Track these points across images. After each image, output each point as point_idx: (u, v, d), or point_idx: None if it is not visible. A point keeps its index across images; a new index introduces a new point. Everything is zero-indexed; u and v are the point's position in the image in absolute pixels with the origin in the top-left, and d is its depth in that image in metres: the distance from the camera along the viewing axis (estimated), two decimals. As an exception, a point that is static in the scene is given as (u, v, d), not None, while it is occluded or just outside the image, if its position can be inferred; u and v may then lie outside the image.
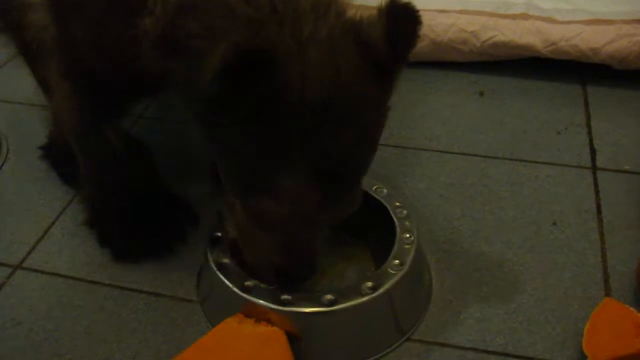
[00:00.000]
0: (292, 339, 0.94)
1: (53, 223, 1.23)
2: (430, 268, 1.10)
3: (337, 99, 0.77)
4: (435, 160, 1.33)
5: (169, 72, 0.83)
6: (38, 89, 1.31)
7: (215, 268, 1.00)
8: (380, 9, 0.80)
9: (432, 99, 1.53)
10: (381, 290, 0.94)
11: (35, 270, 1.14)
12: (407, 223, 1.05)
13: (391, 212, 1.06)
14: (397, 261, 0.98)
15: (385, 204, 1.08)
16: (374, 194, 1.10)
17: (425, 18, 1.52)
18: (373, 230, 1.09)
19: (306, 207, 0.82)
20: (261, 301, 0.94)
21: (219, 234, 1.05)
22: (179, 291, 1.08)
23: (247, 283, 0.97)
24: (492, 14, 1.57)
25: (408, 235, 1.02)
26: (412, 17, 0.80)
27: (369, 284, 0.95)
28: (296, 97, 0.74)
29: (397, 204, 1.08)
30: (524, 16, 1.55)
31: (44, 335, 1.03)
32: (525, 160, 1.32)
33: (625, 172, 1.29)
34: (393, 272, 0.97)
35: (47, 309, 1.07)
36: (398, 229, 1.03)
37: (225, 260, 1.01)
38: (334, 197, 0.83)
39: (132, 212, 1.15)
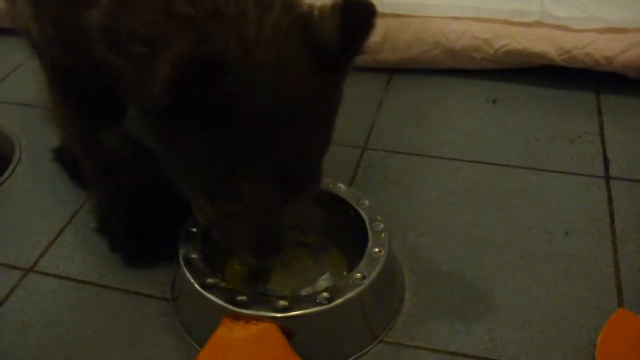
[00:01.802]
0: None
1: (65, 226, 1.23)
2: (404, 285, 1.09)
3: (288, 101, 0.77)
4: (447, 168, 1.33)
5: (120, 73, 0.82)
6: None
7: (182, 263, 1.02)
8: (334, 3, 0.79)
9: (445, 106, 1.52)
10: (334, 303, 0.94)
11: (47, 274, 1.14)
12: (381, 236, 1.04)
13: (367, 225, 1.06)
14: (359, 275, 0.98)
15: (364, 216, 1.07)
16: (355, 206, 1.09)
17: (439, 25, 1.58)
18: (354, 241, 1.08)
19: (268, 207, 0.85)
20: (216, 300, 0.95)
21: (194, 229, 1.07)
22: (190, 296, 1.08)
23: (209, 280, 0.98)
24: (505, 22, 1.56)
25: (378, 250, 1.01)
26: (366, 10, 0.79)
27: (325, 294, 0.95)
28: (246, 102, 0.74)
29: (378, 217, 1.07)
30: (538, 24, 1.55)
31: (55, 339, 1.03)
32: (537, 169, 1.32)
33: (639, 181, 1.28)
34: (353, 285, 0.96)
35: (58, 313, 1.07)
36: (370, 243, 1.03)
37: (194, 256, 1.02)
38: (294, 194, 0.85)
39: (141, 216, 1.15)
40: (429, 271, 1.11)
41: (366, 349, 1.00)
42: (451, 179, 1.30)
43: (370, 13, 0.79)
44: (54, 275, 1.14)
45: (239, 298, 0.95)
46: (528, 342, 0.99)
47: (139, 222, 1.15)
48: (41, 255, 1.18)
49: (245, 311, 0.94)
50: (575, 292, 1.07)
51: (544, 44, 1.53)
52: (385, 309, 1.04)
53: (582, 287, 1.07)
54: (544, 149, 1.38)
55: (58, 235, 1.22)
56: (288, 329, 0.93)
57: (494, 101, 1.53)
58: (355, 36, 0.79)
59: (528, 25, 1.56)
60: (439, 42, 1.58)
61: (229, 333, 0.93)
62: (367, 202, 1.10)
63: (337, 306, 0.94)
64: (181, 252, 1.04)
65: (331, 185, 1.13)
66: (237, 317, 0.94)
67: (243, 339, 0.92)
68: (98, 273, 1.13)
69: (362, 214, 1.08)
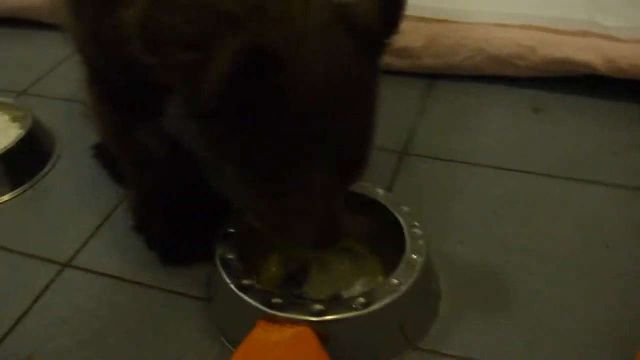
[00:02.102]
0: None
1: (103, 222, 1.24)
2: (440, 292, 1.07)
3: (339, 87, 0.78)
4: (488, 176, 1.31)
5: (156, 73, 0.82)
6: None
7: (218, 263, 1.01)
8: None
9: (487, 113, 1.51)
10: (370, 309, 0.93)
11: (83, 269, 1.15)
12: (419, 243, 1.03)
13: (405, 231, 1.05)
14: (396, 281, 0.97)
15: (403, 222, 1.06)
16: (393, 211, 1.09)
17: (483, 32, 1.56)
18: (391, 247, 1.07)
19: (331, 194, 0.86)
20: (252, 301, 0.95)
21: (232, 230, 1.07)
22: (224, 297, 1.08)
23: (245, 282, 0.98)
24: (551, 30, 1.54)
25: (415, 257, 1.01)
26: None
27: (362, 299, 0.94)
28: (301, 94, 0.75)
29: (416, 223, 1.06)
30: (584, 33, 1.53)
31: (90, 335, 1.03)
32: (579, 180, 1.29)
33: (684, 196, 1.26)
34: (389, 291, 0.95)
35: (94, 309, 1.08)
36: (407, 249, 1.02)
37: (230, 257, 1.02)
38: (353, 176, 0.87)
39: (178, 215, 1.15)
40: (466, 279, 1.09)
41: (400, 356, 0.99)
42: (491, 187, 1.28)
43: None
44: (90, 271, 1.15)
45: (275, 300, 0.94)
46: (565, 356, 0.97)
47: (175, 221, 1.15)
48: (78, 251, 1.19)
49: (281, 314, 0.93)
50: (614, 306, 1.04)
51: (589, 53, 1.51)
52: (420, 316, 1.03)
53: (621, 301, 1.05)
54: (587, 160, 1.35)
55: (95, 231, 1.23)
56: (323, 332, 0.93)
57: (537, 110, 1.51)
58: (392, 16, 0.81)
59: (573, 33, 1.54)
60: (483, 49, 1.56)
61: (263, 335, 0.92)
62: (405, 208, 1.09)
63: (373, 312, 0.93)
64: (218, 253, 1.03)
65: (369, 190, 1.12)
66: (272, 320, 0.94)
67: (277, 341, 0.92)
68: (134, 270, 1.14)
69: (401, 219, 1.07)
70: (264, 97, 0.73)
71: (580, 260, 1.12)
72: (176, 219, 1.15)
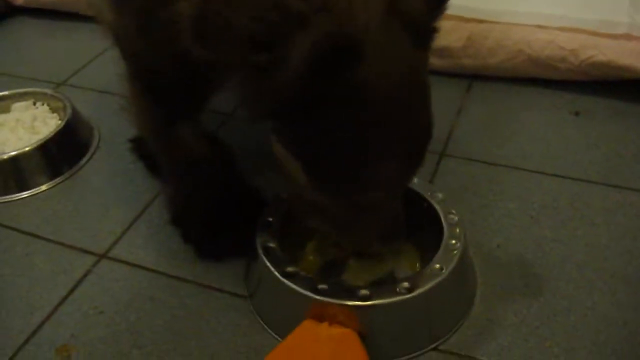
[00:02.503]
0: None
1: (140, 215, 1.25)
2: (476, 278, 1.08)
3: (403, 77, 0.80)
4: (527, 180, 1.29)
5: (223, 67, 0.83)
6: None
7: (260, 251, 1.02)
8: None
9: (526, 116, 1.49)
10: (415, 293, 0.94)
11: (120, 261, 1.16)
12: (456, 230, 1.04)
13: (442, 217, 1.05)
14: (438, 265, 0.98)
15: (438, 209, 1.07)
16: (428, 198, 1.09)
17: (523, 33, 1.54)
18: (426, 233, 1.08)
19: (401, 188, 0.90)
20: (298, 288, 0.95)
21: (270, 219, 1.07)
22: (260, 294, 1.08)
23: (289, 269, 0.98)
24: (593, 33, 1.52)
25: (454, 242, 1.01)
26: None
27: (406, 284, 0.95)
28: (379, 86, 0.77)
29: (452, 210, 1.07)
30: (627, 36, 1.50)
31: (125, 326, 1.04)
32: (620, 186, 1.27)
33: None
34: (432, 275, 0.96)
35: (129, 300, 1.08)
36: (446, 234, 1.03)
37: (272, 245, 1.03)
38: (418, 166, 0.88)
39: (216, 210, 1.15)
40: (502, 284, 1.08)
41: (444, 338, 1.00)
42: (531, 192, 1.26)
43: None
44: (127, 263, 1.15)
45: (320, 286, 0.95)
46: (606, 366, 0.96)
47: (212, 216, 1.15)
48: (115, 243, 1.19)
49: (328, 299, 0.93)
50: (655, 316, 1.03)
51: (632, 57, 1.48)
52: (458, 304, 1.03)
53: (663, 311, 1.04)
54: (628, 166, 1.33)
55: (132, 223, 1.23)
56: (364, 333, 0.94)
57: (577, 113, 1.49)
58: (439, 8, 0.83)
59: (616, 37, 1.51)
60: (523, 50, 1.54)
61: (314, 328, 0.94)
62: (440, 194, 1.10)
63: (418, 296, 0.94)
64: (259, 241, 1.04)
65: None
66: (321, 317, 0.94)
67: (326, 336, 0.93)
68: (170, 264, 1.14)
69: (436, 206, 1.07)
70: (343, 91, 0.74)
71: (620, 269, 1.10)
72: (212, 214, 1.15)
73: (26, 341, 1.03)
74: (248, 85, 0.79)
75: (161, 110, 1.06)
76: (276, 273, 0.98)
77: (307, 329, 0.95)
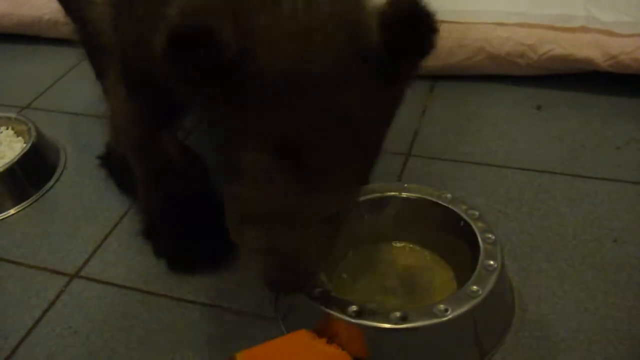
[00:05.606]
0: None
1: (110, 232, 1.24)
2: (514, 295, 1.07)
3: (305, 74, 0.71)
4: (493, 175, 1.31)
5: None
6: (96, 100, 1.32)
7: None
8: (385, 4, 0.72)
9: (489, 113, 1.51)
10: (453, 315, 0.91)
11: (92, 279, 1.16)
12: (493, 249, 1.01)
13: (478, 236, 1.03)
14: (475, 287, 0.95)
15: (475, 227, 1.04)
16: (463, 215, 1.07)
17: (482, 31, 1.56)
18: (460, 252, 1.06)
19: (275, 191, 0.76)
20: (329, 311, 0.93)
21: None
22: (234, 303, 1.08)
23: (318, 290, 0.95)
24: (550, 27, 1.54)
25: (492, 262, 0.98)
26: (418, 19, 0.73)
27: (442, 306, 0.92)
28: (254, 68, 0.70)
29: (487, 230, 1.04)
30: (584, 29, 1.52)
31: (101, 344, 1.04)
32: (584, 176, 1.29)
33: (690, 188, 1.25)
34: (469, 297, 0.93)
35: (104, 318, 1.08)
36: (482, 254, 1.00)
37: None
38: (309, 185, 0.76)
39: (188, 223, 1.15)
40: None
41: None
42: (497, 186, 1.28)
43: (424, 23, 0.73)
44: (99, 281, 1.15)
45: (352, 309, 0.92)
46: (577, 351, 0.97)
47: (184, 228, 1.15)
48: (86, 261, 1.19)
49: (361, 321, 0.91)
50: (624, 301, 1.04)
51: (590, 50, 1.51)
52: (491, 325, 1.00)
53: (631, 296, 1.05)
54: (591, 155, 1.35)
55: (103, 241, 1.23)
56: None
57: (539, 107, 1.51)
58: (407, 47, 0.74)
59: (573, 30, 1.53)
60: (483, 48, 1.56)
61: (310, 339, 0.93)
62: (476, 212, 1.07)
63: (455, 319, 0.91)
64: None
65: (436, 194, 1.11)
66: (322, 333, 0.93)
67: (318, 351, 0.92)
68: (142, 279, 1.14)
69: (473, 225, 1.05)
70: (212, 68, 0.69)
71: (588, 256, 1.12)
72: (185, 226, 1.15)
73: (1, 365, 1.03)
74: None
75: (147, 117, 1.06)
76: (307, 297, 0.95)
77: (300, 338, 0.94)
